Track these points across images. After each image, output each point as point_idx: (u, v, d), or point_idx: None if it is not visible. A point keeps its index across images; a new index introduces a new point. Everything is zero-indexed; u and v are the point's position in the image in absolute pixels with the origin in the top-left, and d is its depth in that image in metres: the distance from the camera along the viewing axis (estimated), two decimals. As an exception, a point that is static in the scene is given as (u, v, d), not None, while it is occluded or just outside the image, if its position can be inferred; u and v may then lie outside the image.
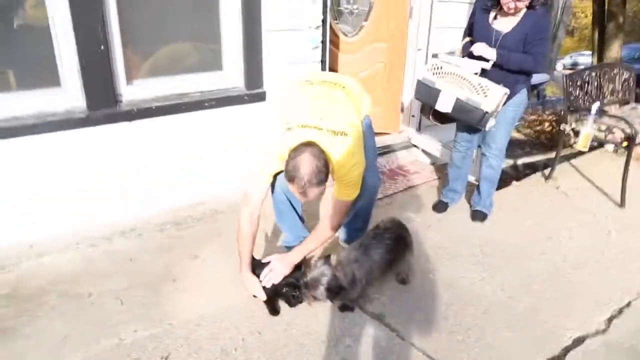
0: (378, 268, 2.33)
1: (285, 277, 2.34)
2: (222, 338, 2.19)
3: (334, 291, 2.23)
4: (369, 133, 2.52)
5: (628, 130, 3.48)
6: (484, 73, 2.89)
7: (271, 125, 2.39)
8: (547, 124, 6.95)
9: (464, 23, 3.27)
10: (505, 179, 3.87)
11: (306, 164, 2.02)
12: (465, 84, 2.86)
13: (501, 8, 2.80)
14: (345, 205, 2.37)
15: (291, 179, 2.07)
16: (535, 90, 8.79)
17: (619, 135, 3.54)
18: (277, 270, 2.34)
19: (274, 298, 2.34)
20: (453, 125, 3.33)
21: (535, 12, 2.76)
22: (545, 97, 9.55)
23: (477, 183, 3.42)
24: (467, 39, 3.08)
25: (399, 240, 2.42)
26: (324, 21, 3.45)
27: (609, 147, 4.71)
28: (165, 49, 3.07)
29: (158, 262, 2.73)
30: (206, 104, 3.14)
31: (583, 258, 2.90)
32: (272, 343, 2.17)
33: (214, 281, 2.58)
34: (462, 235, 3.15)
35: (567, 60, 22.87)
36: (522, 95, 3.02)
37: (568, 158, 4.50)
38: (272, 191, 2.57)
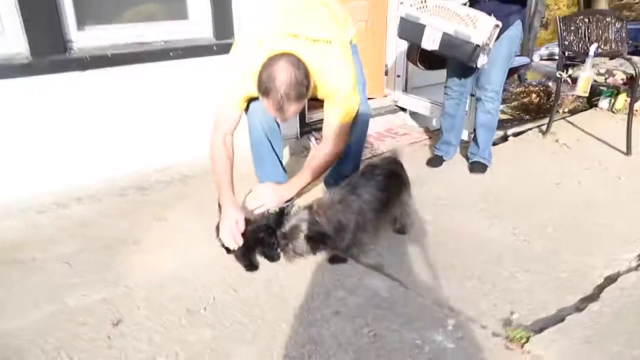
0: (370, 209, 1.98)
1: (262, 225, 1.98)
2: (188, 298, 1.83)
3: (317, 239, 1.89)
4: (356, 60, 2.20)
5: (630, 71, 3.23)
6: (473, 4, 2.60)
7: (241, 41, 2.05)
8: (534, 95, 6.77)
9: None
10: (496, 143, 3.59)
11: (283, 73, 1.70)
12: (452, 16, 2.56)
13: None
14: (344, 128, 2.05)
15: (266, 91, 1.73)
16: (516, 74, 8.65)
17: (619, 77, 3.29)
18: (266, 197, 2.00)
19: (250, 248, 1.98)
20: (442, 85, 3.03)
21: None
22: (526, 80, 9.42)
23: (472, 136, 3.14)
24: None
25: (392, 177, 2.08)
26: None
27: (603, 104, 4.52)
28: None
29: (117, 226, 2.36)
30: (171, 54, 2.79)
31: (596, 201, 2.62)
32: (249, 300, 1.82)
33: (182, 241, 2.22)
34: (461, 186, 2.84)
35: (543, 51, 23.00)
36: (516, 28, 2.73)
37: (563, 118, 4.26)
38: (250, 131, 2.22)
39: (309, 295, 1.85)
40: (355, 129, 2.24)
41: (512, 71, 4.22)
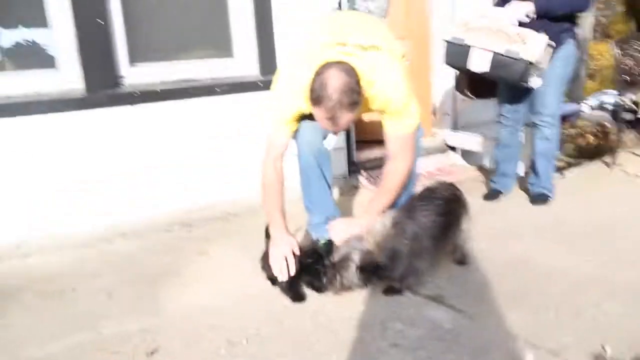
0: (427, 235, 1.81)
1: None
2: (228, 328, 1.68)
3: (370, 270, 1.74)
4: None
5: None
6: (522, 25, 2.50)
7: (287, 59, 2.02)
8: (590, 137, 6.42)
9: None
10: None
11: (335, 80, 1.63)
12: (499, 35, 2.44)
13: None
14: (408, 140, 1.93)
15: (317, 100, 1.66)
16: (566, 122, 8.35)
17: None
18: (339, 228, 1.88)
19: (297, 277, 1.82)
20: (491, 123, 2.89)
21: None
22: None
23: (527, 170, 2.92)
24: (499, -4, 2.73)
25: (451, 202, 1.92)
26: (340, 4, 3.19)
27: (673, 136, 4.17)
28: (173, 33, 2.82)
29: (160, 260, 2.29)
30: (217, 90, 2.83)
31: (685, 228, 2.30)
32: (296, 331, 1.65)
33: (225, 275, 2.11)
34: (521, 216, 2.61)
35: (593, 101, 22.42)
36: (570, 47, 2.59)
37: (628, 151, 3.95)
38: (299, 156, 2.14)
39: (361, 327, 1.66)
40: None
41: (562, 119, 4.01)
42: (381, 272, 1.76)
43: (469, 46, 2.52)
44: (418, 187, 3.17)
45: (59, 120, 2.43)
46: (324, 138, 2.13)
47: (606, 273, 1.92)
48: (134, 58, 2.67)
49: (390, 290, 1.85)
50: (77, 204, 2.52)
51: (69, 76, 2.48)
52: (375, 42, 1.83)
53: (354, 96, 1.66)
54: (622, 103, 3.32)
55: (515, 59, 2.38)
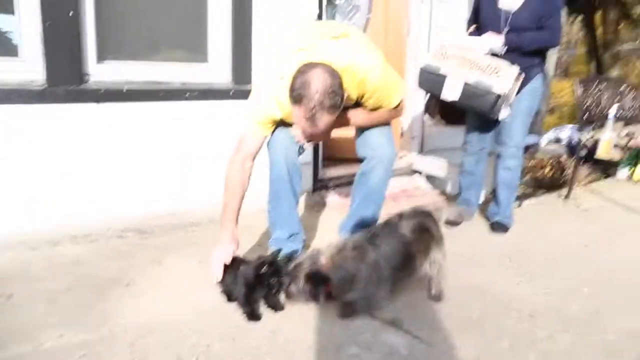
0: (388, 265, 1.77)
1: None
2: (179, 345, 1.60)
3: (316, 280, 1.70)
4: None
5: (655, 134, 3.14)
6: (495, 55, 2.58)
7: (265, 65, 1.99)
8: (548, 169, 6.67)
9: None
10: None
11: (318, 80, 1.61)
12: (474, 66, 2.52)
13: (506, -17, 2.56)
14: (394, 110, 2.01)
15: (298, 98, 1.63)
16: (526, 153, 8.67)
17: (644, 140, 3.19)
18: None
19: (253, 289, 1.76)
20: (458, 150, 2.96)
21: (545, -17, 2.52)
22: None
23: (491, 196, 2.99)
24: (473, 27, 2.81)
25: (420, 231, 1.86)
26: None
27: (622, 174, 4.39)
28: (147, 32, 2.73)
29: (110, 267, 2.17)
30: (187, 94, 2.75)
31: (632, 263, 2.40)
32: (250, 350, 1.59)
33: (179, 286, 2.02)
34: (483, 244, 2.65)
35: (551, 134, 23.53)
36: (538, 82, 2.69)
37: (582, 185, 4.13)
38: (271, 165, 2.09)
39: (318, 349, 1.62)
40: (378, 168, 2.11)
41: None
42: (332, 288, 1.72)
43: (444, 75, 2.56)
44: (391, 208, 3.22)
45: (15, 112, 2.29)
46: (299, 153, 2.10)
47: (561, 304, 1.96)
48: (102, 54, 2.55)
49: (344, 314, 1.79)
50: (23, 202, 2.36)
51: (30, 67, 2.34)
52: (346, 30, 1.85)
53: (336, 99, 1.65)
54: (578, 139, 3.46)
55: (487, 91, 2.43)
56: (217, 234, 1.88)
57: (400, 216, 1.89)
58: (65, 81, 2.40)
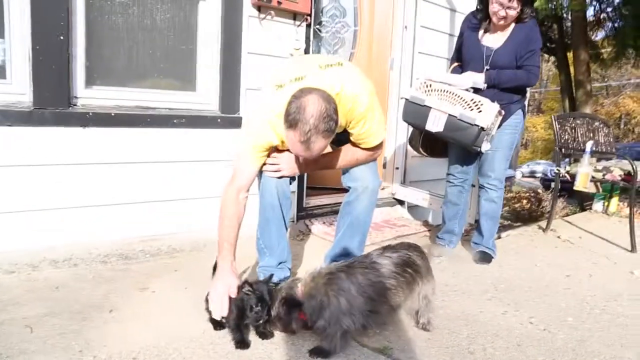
0: (362, 295, 1.70)
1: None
2: (168, 373, 1.55)
3: (289, 305, 1.69)
4: None
5: (628, 168, 3.28)
6: (476, 92, 2.69)
7: (260, 96, 2.01)
8: (525, 201, 6.85)
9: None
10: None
11: (313, 105, 1.65)
12: (457, 100, 2.62)
13: (490, 22, 2.70)
14: (379, 147, 2.07)
15: (293, 122, 1.66)
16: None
17: (617, 173, 3.33)
18: (283, 161, 1.96)
19: (243, 319, 1.73)
20: (440, 181, 3.02)
21: (525, 25, 2.66)
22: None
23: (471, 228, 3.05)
24: (455, 64, 2.94)
25: (404, 264, 1.81)
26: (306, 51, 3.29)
27: (597, 207, 4.54)
28: (136, 59, 2.75)
29: (93, 292, 2.11)
30: (174, 121, 2.76)
31: (613, 292, 2.46)
32: (240, 379, 1.55)
33: (165, 313, 1.97)
34: (468, 274, 2.67)
35: (525, 168, 24.17)
36: (518, 117, 2.80)
37: (560, 217, 4.25)
38: (262, 193, 2.09)
39: (308, 377, 1.59)
40: (363, 198, 2.14)
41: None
42: (304, 314, 1.70)
43: (428, 107, 2.65)
44: (374, 237, 3.23)
45: (0, 133, 2.26)
46: (291, 182, 2.12)
47: (547, 333, 1.98)
48: (91, 79, 2.57)
49: (315, 352, 1.72)
50: (1, 223, 2.30)
51: (18, 89, 2.33)
52: (339, 60, 1.92)
53: (331, 123, 1.68)
54: (557, 172, 3.58)
55: (470, 124, 2.52)
56: (201, 259, 1.86)
57: (385, 248, 1.86)
58: (53, 104, 2.39)
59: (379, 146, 2.09)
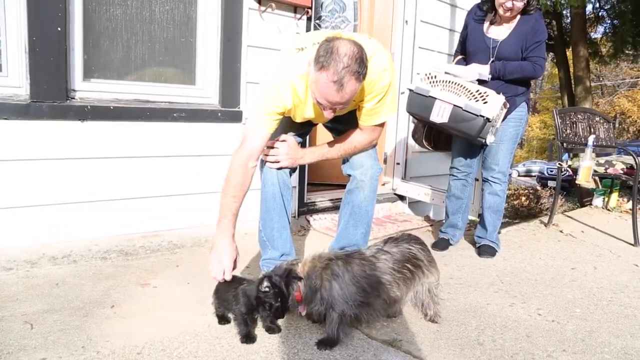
0: (357, 290, 1.67)
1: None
2: (173, 367, 1.51)
3: (287, 278, 1.67)
4: None
5: (630, 161, 3.26)
6: (481, 84, 2.66)
7: (275, 64, 1.96)
8: (523, 198, 6.84)
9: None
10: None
11: (346, 46, 1.61)
12: (462, 91, 2.59)
13: (496, 13, 2.68)
14: (383, 126, 2.04)
15: (325, 63, 1.60)
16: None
17: (619, 167, 3.31)
18: (281, 152, 1.95)
19: (252, 313, 1.70)
20: (441, 177, 3.00)
21: (531, 17, 2.64)
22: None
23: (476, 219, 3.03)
24: (459, 57, 2.91)
25: (406, 261, 1.76)
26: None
27: (597, 202, 4.53)
28: (135, 52, 2.70)
29: (94, 288, 2.07)
30: (174, 115, 2.72)
31: (619, 284, 2.44)
32: (248, 373, 1.51)
33: (167, 309, 1.93)
34: (473, 267, 2.65)
35: (521, 168, 24.25)
36: (523, 110, 2.77)
37: (561, 213, 4.24)
38: (263, 183, 2.06)
39: (317, 370, 1.55)
40: (364, 185, 2.11)
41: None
42: (297, 295, 1.68)
43: (433, 98, 2.62)
44: (376, 233, 3.21)
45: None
46: (291, 173, 2.09)
47: (556, 324, 1.96)
48: (89, 72, 2.52)
49: (321, 343, 1.67)
50: (1, 220, 2.25)
51: (14, 81, 2.28)
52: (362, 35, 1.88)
53: (362, 67, 1.64)
54: (549, 173, 3.56)
55: (475, 115, 2.50)
56: (203, 255, 1.83)
57: (386, 241, 1.83)
58: (50, 97, 2.34)
59: (378, 130, 2.06)
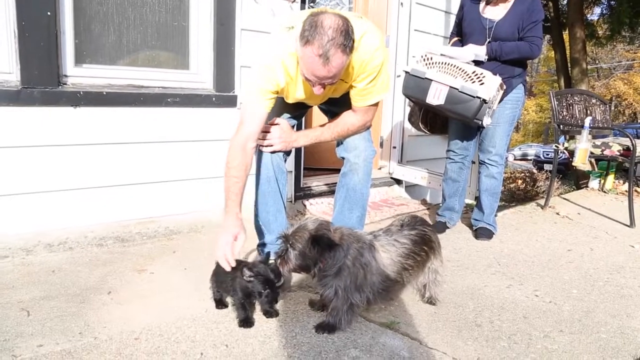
0: (382, 279, 1.68)
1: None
2: (170, 353, 1.51)
3: (324, 243, 1.59)
4: None
5: (626, 143, 3.26)
6: (477, 65, 2.63)
7: (266, 43, 1.95)
8: (520, 181, 6.86)
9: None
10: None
11: (330, 20, 1.59)
12: (458, 72, 2.56)
13: (492, -8, 2.64)
14: (376, 106, 2.01)
15: (310, 38, 1.58)
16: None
17: (616, 149, 3.31)
18: (274, 135, 1.95)
19: (249, 297, 1.70)
20: (437, 160, 2.98)
21: (527, -4, 2.61)
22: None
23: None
24: (455, 38, 2.88)
25: (423, 244, 1.77)
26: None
27: (593, 184, 4.54)
28: (127, 37, 2.65)
29: (90, 275, 2.06)
30: (168, 100, 2.68)
31: (616, 265, 2.45)
32: (245, 357, 1.51)
33: (165, 294, 1.93)
34: (470, 249, 2.66)
35: (517, 151, 24.28)
36: (519, 92, 2.75)
37: (557, 195, 4.25)
38: (258, 167, 2.04)
39: (316, 354, 1.55)
40: (358, 168, 2.10)
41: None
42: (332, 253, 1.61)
43: (430, 80, 2.59)
44: (373, 217, 3.20)
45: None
46: (285, 157, 2.08)
47: (553, 305, 1.97)
48: (80, 57, 2.47)
49: (322, 327, 1.67)
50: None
51: (3, 67, 2.23)
52: (355, 14, 1.85)
53: (348, 40, 1.61)
54: (545, 156, 3.56)
55: (472, 96, 2.47)
56: (199, 241, 1.82)
57: (401, 225, 1.81)
58: (41, 83, 2.30)
59: (372, 112, 2.04)
